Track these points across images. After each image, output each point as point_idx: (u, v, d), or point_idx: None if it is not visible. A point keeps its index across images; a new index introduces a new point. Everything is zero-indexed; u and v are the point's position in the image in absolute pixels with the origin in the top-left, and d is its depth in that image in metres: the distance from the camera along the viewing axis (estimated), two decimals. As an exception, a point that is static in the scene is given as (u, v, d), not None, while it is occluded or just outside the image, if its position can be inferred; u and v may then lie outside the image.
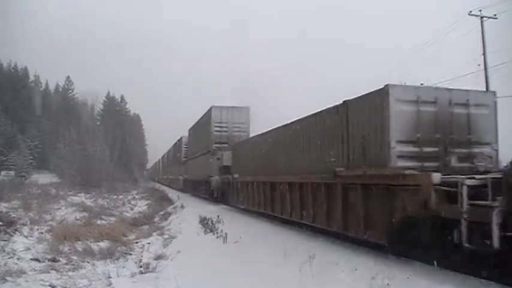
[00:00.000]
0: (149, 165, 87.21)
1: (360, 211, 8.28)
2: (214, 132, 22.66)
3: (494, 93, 8.73)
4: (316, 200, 10.40)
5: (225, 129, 22.68)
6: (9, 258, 11.34)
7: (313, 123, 10.77)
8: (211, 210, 18.13)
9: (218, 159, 20.95)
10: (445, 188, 6.23)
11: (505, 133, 8.59)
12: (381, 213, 7.59)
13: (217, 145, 22.28)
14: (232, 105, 23.54)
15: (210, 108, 23.13)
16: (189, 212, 19.81)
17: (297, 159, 11.56)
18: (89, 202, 27.06)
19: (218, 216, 14.37)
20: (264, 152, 14.51)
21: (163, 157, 60.44)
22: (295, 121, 12.02)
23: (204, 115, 25.97)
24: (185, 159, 34.10)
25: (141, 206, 29.02)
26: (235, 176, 17.10)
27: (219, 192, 20.69)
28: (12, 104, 54.14)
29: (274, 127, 13.59)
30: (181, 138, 37.16)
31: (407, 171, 7.06)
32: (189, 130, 32.82)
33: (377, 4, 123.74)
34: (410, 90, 7.92)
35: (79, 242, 13.79)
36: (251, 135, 20.34)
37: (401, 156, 7.57)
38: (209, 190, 22.31)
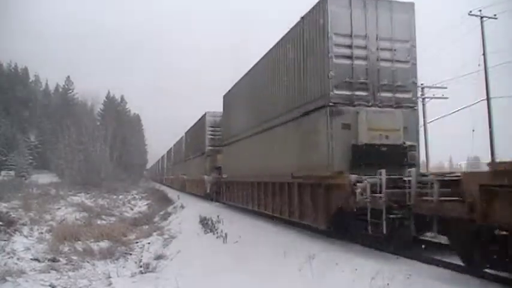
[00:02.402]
0: (149, 166, 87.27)
1: None
2: (335, 60, 8.90)
3: None
4: None
5: (360, 52, 9.07)
6: (9, 258, 11.37)
7: None
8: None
9: (346, 126, 8.79)
10: None
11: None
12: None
13: (342, 92, 8.91)
14: None
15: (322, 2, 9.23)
16: (189, 212, 19.79)
17: None
18: (89, 202, 27.09)
19: (218, 216, 14.35)
20: None
21: (169, 152, 49.30)
22: None
23: (303, 19, 10.25)
24: (211, 148, 22.92)
25: (141, 206, 29.09)
26: None
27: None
28: (12, 104, 54.18)
29: None
30: (204, 115, 24.22)
31: None
32: (225, 96, 19.33)
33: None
34: None
35: (79, 242, 13.81)
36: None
37: None
38: (322, 212, 9.14)
